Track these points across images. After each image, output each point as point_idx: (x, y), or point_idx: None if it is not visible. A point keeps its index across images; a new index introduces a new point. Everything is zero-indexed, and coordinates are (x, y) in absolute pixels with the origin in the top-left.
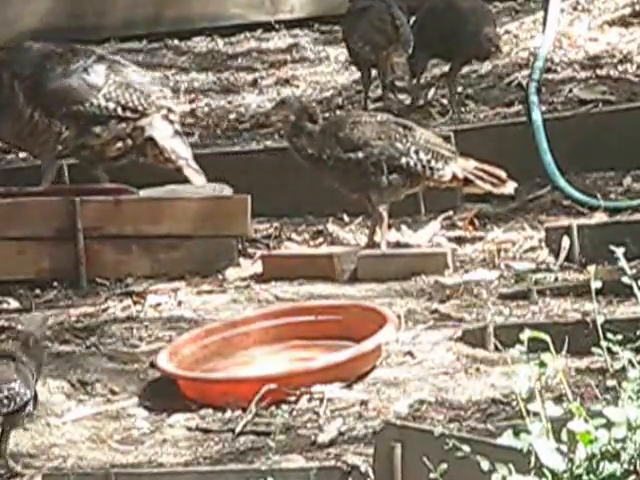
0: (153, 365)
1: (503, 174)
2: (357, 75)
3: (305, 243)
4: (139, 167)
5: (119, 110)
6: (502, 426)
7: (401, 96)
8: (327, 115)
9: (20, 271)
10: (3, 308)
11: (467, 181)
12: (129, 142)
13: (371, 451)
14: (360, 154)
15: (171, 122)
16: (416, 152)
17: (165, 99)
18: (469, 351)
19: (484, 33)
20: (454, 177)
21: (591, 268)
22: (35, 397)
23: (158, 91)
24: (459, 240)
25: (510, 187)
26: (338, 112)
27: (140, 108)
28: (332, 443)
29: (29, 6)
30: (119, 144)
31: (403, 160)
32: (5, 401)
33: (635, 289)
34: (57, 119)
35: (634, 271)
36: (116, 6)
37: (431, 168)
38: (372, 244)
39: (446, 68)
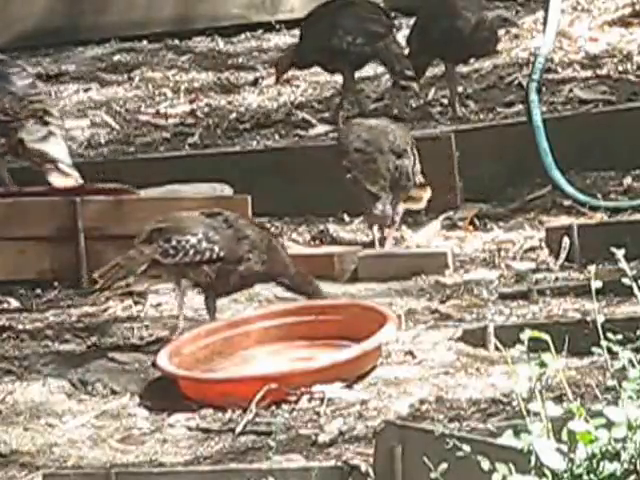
0: (154, 365)
1: None
2: (357, 75)
3: (306, 243)
4: (139, 167)
5: None
6: (502, 426)
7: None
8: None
9: (21, 271)
10: (4, 308)
11: None
12: (6, 141)
13: (371, 451)
14: (405, 161)
15: (46, 124)
16: (411, 148)
17: (40, 102)
18: (469, 351)
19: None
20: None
21: (591, 268)
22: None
23: (34, 94)
24: (459, 240)
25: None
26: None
27: (10, 112)
28: (333, 443)
29: (29, 6)
30: (2, 140)
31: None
32: (171, 251)
33: (635, 289)
34: None
35: (634, 271)
36: (116, 6)
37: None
38: (382, 242)
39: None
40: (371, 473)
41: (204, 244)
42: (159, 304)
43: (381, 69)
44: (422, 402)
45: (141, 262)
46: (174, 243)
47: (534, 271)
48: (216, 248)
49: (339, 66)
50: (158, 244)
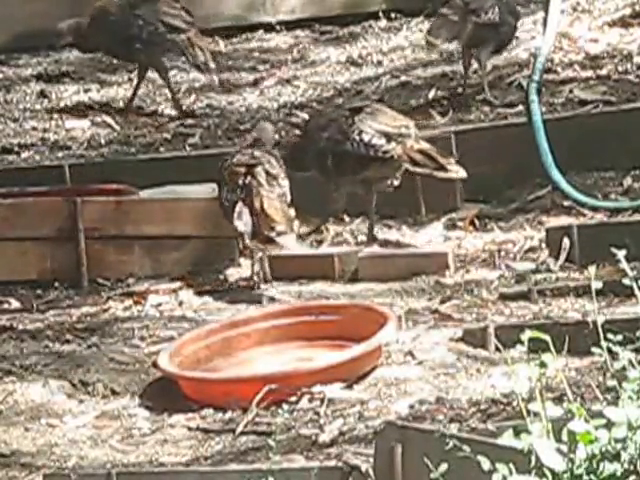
0: (154, 365)
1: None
2: (357, 75)
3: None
4: (140, 167)
5: None
6: (502, 426)
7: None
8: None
9: (21, 271)
10: (4, 308)
11: None
12: None
13: (372, 451)
14: None
15: None
16: None
17: None
18: (470, 351)
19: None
20: None
21: (591, 268)
22: None
23: None
24: (459, 240)
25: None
26: None
27: None
28: (333, 443)
29: (27, 7)
30: None
31: None
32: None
33: (635, 290)
34: None
35: (634, 272)
36: None
37: None
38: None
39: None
40: (371, 473)
41: None
42: (159, 304)
43: (381, 70)
44: (422, 402)
45: None
46: None
47: (534, 271)
48: None
49: (135, 57)
50: None
